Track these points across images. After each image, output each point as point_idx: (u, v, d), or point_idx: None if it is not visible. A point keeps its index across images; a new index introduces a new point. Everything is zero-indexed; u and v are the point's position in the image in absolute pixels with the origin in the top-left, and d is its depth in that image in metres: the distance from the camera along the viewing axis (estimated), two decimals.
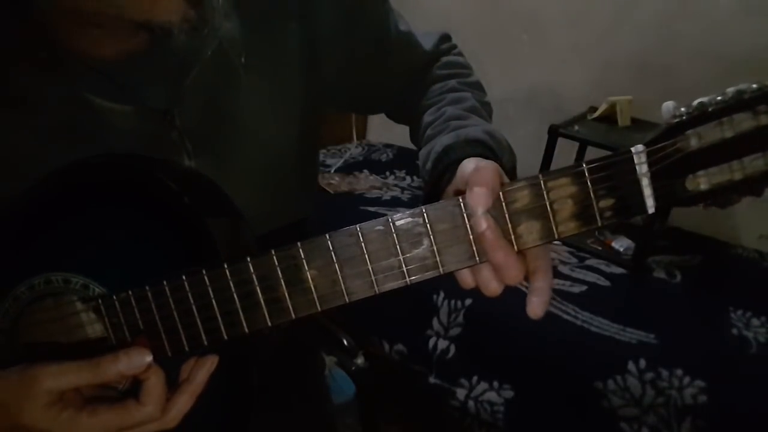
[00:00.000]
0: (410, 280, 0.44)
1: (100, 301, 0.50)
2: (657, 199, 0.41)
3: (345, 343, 1.09)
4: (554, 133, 1.68)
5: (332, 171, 2.12)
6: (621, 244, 1.69)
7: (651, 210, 0.41)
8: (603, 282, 1.56)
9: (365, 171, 2.13)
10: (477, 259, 0.44)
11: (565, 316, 1.41)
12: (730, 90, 0.39)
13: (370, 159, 2.25)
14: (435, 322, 1.48)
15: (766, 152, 0.39)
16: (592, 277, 1.57)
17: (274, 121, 0.62)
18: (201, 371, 0.48)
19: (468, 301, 1.45)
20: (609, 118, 1.73)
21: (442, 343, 1.47)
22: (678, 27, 1.79)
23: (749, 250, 1.78)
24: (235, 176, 0.56)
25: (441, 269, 0.44)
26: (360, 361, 1.11)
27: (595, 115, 1.75)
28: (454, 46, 0.76)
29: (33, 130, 0.53)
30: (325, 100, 0.68)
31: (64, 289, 0.52)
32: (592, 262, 1.65)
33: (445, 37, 0.75)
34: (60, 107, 0.53)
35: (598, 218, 0.42)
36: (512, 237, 0.43)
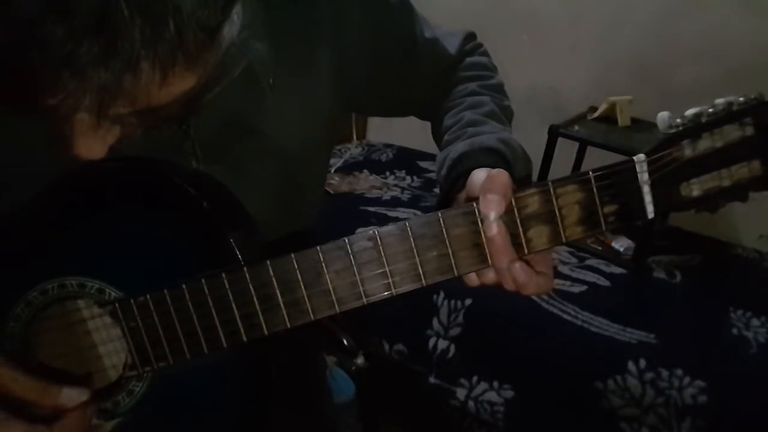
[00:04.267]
0: (426, 283, 0.46)
1: (117, 305, 0.50)
2: (656, 205, 0.44)
3: (345, 343, 1.09)
4: (554, 133, 1.68)
5: (332, 171, 2.12)
6: (621, 244, 1.69)
7: (651, 215, 0.44)
8: (603, 282, 1.56)
9: (365, 171, 2.13)
10: (489, 261, 0.46)
11: (565, 316, 1.41)
12: (720, 102, 0.42)
13: (370, 159, 2.25)
14: (435, 322, 1.48)
15: (751, 161, 0.42)
16: (592, 277, 1.57)
17: (297, 140, 0.62)
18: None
19: (468, 301, 1.45)
20: (609, 118, 1.73)
21: (442, 343, 1.47)
22: (678, 27, 1.80)
23: (749, 250, 1.78)
24: (241, 185, 0.55)
25: (456, 272, 0.46)
26: (360, 361, 1.11)
27: (595, 115, 1.75)
28: (479, 45, 0.76)
29: (28, 137, 0.52)
30: (352, 109, 0.68)
31: (79, 293, 0.51)
32: (592, 262, 1.65)
33: (470, 36, 0.75)
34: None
35: (602, 223, 0.44)
36: (522, 241, 0.45)
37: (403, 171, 2.14)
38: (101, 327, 0.51)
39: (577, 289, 1.51)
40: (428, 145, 1.68)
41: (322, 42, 0.61)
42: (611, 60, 1.92)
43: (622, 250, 1.67)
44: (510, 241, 0.45)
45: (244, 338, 0.48)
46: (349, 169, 2.15)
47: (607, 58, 1.93)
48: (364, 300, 0.46)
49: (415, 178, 2.09)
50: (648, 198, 0.43)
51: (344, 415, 1.35)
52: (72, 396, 0.47)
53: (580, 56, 1.99)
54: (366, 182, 2.04)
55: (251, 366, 0.52)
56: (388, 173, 2.13)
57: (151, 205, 0.51)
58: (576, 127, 1.70)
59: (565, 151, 1.74)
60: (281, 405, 0.73)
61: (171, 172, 0.50)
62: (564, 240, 0.45)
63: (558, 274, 1.56)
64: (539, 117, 1.89)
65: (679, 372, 1.26)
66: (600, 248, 1.70)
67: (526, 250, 0.45)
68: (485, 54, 0.76)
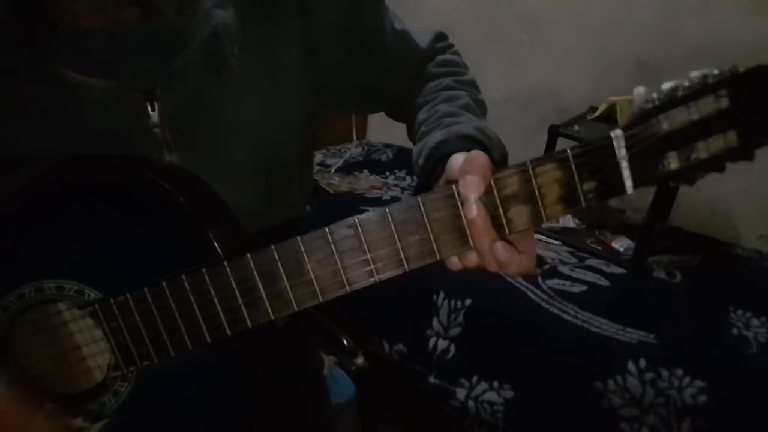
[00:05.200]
0: (409, 267, 0.46)
1: (96, 306, 0.49)
2: (634, 180, 0.44)
3: (345, 343, 1.09)
4: (554, 133, 1.68)
5: (332, 171, 2.12)
6: (621, 244, 1.69)
7: (630, 191, 0.44)
8: (603, 282, 1.56)
9: (365, 171, 2.13)
10: (471, 243, 0.46)
11: (565, 316, 1.41)
12: (695, 74, 0.43)
13: (370, 159, 2.25)
14: (435, 322, 1.48)
15: (727, 132, 0.43)
16: (592, 277, 1.57)
17: (268, 116, 0.61)
18: None
19: (468, 301, 1.45)
20: (609, 118, 1.73)
21: (442, 343, 1.47)
22: (678, 27, 1.79)
23: (749, 250, 1.78)
24: (220, 172, 0.55)
25: (438, 255, 0.46)
26: (360, 361, 1.11)
27: (595, 115, 1.75)
28: (451, 45, 0.76)
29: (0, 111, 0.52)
30: (323, 99, 0.68)
31: (57, 296, 0.51)
32: (592, 262, 1.65)
33: (441, 36, 0.75)
34: (32, 85, 0.51)
35: (582, 200, 0.44)
36: (503, 221, 0.45)
37: (403, 171, 2.14)
38: (84, 329, 0.50)
39: (577, 289, 1.51)
40: None
41: (292, 13, 0.61)
42: (611, 60, 1.92)
43: (622, 250, 1.67)
44: (490, 222, 0.45)
45: (228, 332, 0.48)
46: (349, 169, 2.15)
47: (606, 59, 1.93)
48: (348, 288, 0.46)
49: (415, 178, 2.09)
50: (626, 173, 0.44)
51: (344, 415, 1.35)
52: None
53: (579, 56, 1.99)
54: (366, 182, 2.04)
55: (237, 362, 0.52)
56: (388, 173, 2.13)
57: (127, 203, 0.50)
58: (576, 127, 1.70)
59: None
60: (280, 405, 0.73)
61: (145, 169, 0.50)
62: (545, 219, 0.45)
63: (558, 274, 1.56)
64: (539, 117, 1.89)
65: (679, 372, 1.26)
66: (600, 248, 1.70)
67: (507, 231, 0.46)
68: (457, 53, 0.76)
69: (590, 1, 1.94)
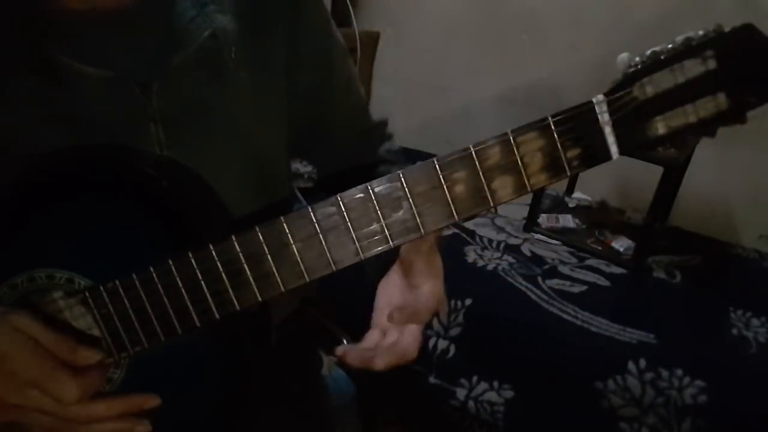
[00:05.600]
0: (393, 244, 0.46)
1: (87, 293, 0.50)
2: (620, 146, 0.43)
3: (345, 343, 1.09)
4: None
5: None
6: (621, 244, 1.69)
7: (615, 156, 0.43)
8: (603, 282, 1.56)
9: None
10: (456, 217, 0.45)
11: (565, 316, 1.41)
12: (679, 38, 0.42)
13: None
14: (435, 322, 1.48)
15: (716, 95, 0.41)
16: (592, 277, 1.57)
17: (259, 119, 0.62)
18: (134, 401, 0.50)
19: (468, 301, 1.45)
20: None
21: (442, 343, 1.47)
22: (678, 27, 1.79)
23: (749, 250, 1.78)
24: (210, 171, 0.56)
25: (423, 230, 0.45)
26: None
27: None
28: (391, 135, 0.79)
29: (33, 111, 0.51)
30: (292, 118, 0.68)
31: (48, 285, 0.51)
32: (592, 262, 1.65)
33: (386, 122, 0.79)
34: (26, 73, 0.51)
35: (566, 168, 0.44)
36: (487, 193, 0.45)
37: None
38: (76, 316, 0.51)
39: (577, 289, 1.51)
40: (428, 146, 1.68)
41: (279, 24, 0.62)
42: (611, 60, 1.91)
43: (622, 250, 1.67)
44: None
45: (216, 315, 0.48)
46: None
47: (607, 58, 1.93)
48: (333, 267, 0.46)
49: None
50: (611, 139, 0.43)
51: (344, 415, 1.35)
52: (86, 355, 0.48)
53: (580, 56, 1.99)
54: None
55: (228, 346, 0.52)
56: None
57: (113, 190, 0.51)
58: None
59: None
60: (279, 405, 0.73)
61: (132, 156, 0.51)
62: (529, 188, 0.44)
63: (558, 274, 1.56)
64: (539, 117, 1.88)
65: (679, 372, 1.26)
66: (600, 248, 1.70)
67: (491, 202, 0.45)
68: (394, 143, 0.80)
69: (590, 1, 1.94)
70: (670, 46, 0.42)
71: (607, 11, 1.91)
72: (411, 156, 0.63)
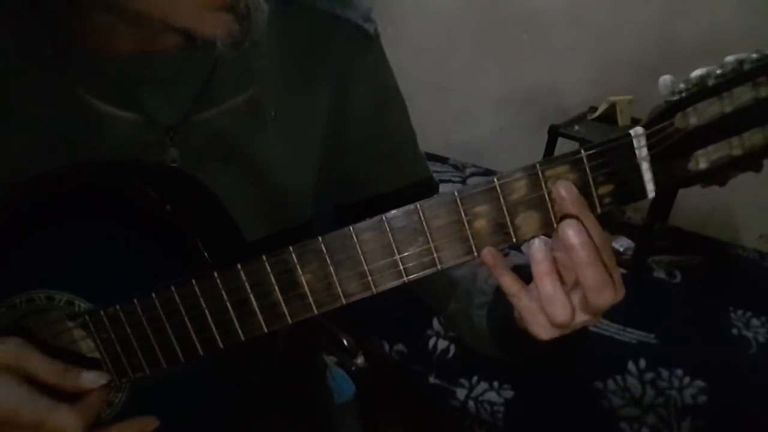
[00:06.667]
0: (408, 279, 0.43)
1: (87, 317, 0.48)
2: (657, 183, 0.39)
3: (345, 343, 1.08)
4: (554, 133, 1.68)
5: None
6: (621, 244, 1.69)
7: (651, 194, 0.39)
8: None
9: None
10: (475, 254, 0.43)
11: None
12: (729, 60, 0.37)
13: None
14: (435, 322, 1.48)
15: (766, 126, 0.37)
16: None
17: (282, 164, 0.59)
18: (135, 426, 0.48)
19: None
20: (609, 118, 1.73)
21: (442, 343, 1.47)
22: (678, 27, 1.79)
23: (749, 250, 1.78)
24: (222, 197, 0.54)
25: (439, 266, 0.43)
26: (360, 361, 1.11)
27: (595, 115, 1.75)
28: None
29: (19, 137, 0.51)
30: (337, 186, 0.64)
31: (47, 306, 0.50)
32: None
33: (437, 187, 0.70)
34: (52, 109, 0.51)
35: (597, 205, 0.40)
36: (510, 229, 0.42)
37: None
38: (76, 339, 0.50)
39: None
40: (428, 146, 1.68)
41: (324, 82, 0.58)
42: (611, 60, 1.92)
43: (622, 250, 1.67)
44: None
45: (221, 345, 0.46)
46: None
47: (606, 58, 1.93)
48: (343, 300, 0.44)
49: None
50: (648, 176, 0.39)
51: (344, 416, 1.35)
52: (91, 378, 0.47)
53: (579, 56, 1.99)
54: None
55: (230, 372, 0.51)
56: None
57: (114, 210, 0.49)
58: (576, 127, 1.70)
59: (565, 151, 1.74)
60: (284, 407, 0.73)
61: (133, 175, 0.49)
62: (555, 226, 0.41)
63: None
64: (539, 117, 1.89)
65: (679, 372, 1.26)
66: None
67: (514, 239, 0.42)
68: None
69: (590, 1, 1.94)
70: (719, 71, 0.37)
71: (607, 11, 1.91)
72: None
